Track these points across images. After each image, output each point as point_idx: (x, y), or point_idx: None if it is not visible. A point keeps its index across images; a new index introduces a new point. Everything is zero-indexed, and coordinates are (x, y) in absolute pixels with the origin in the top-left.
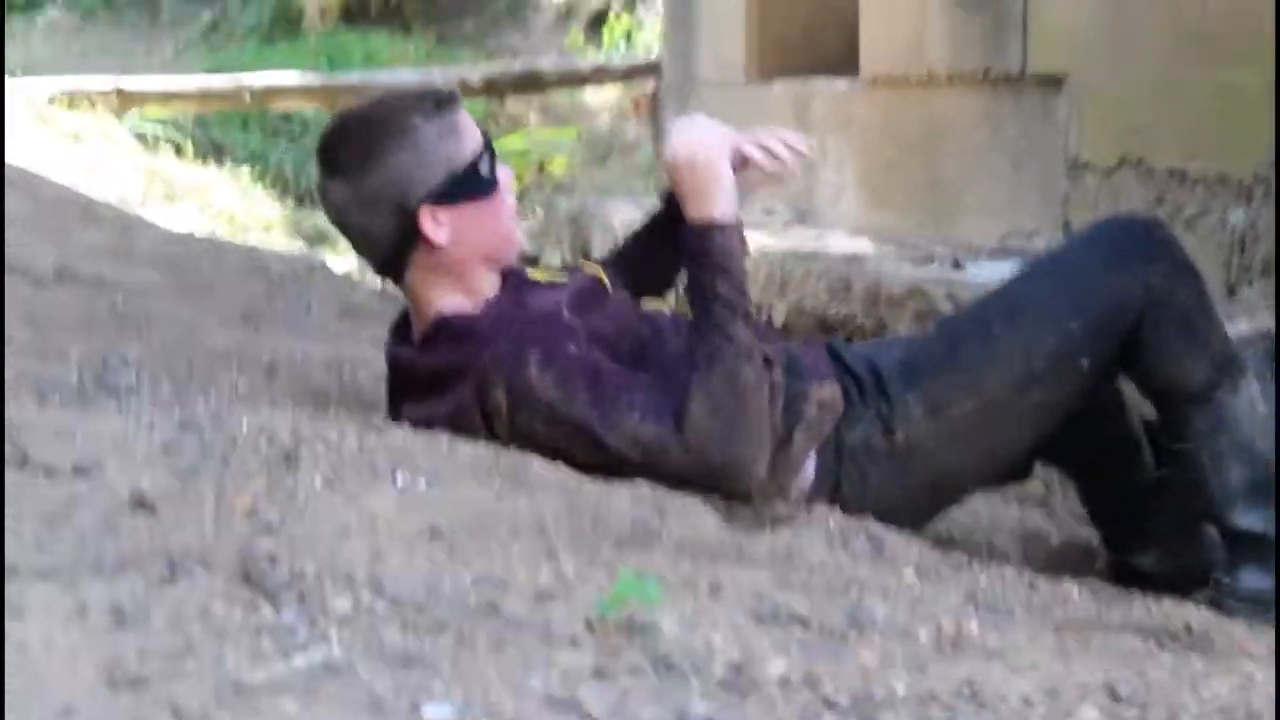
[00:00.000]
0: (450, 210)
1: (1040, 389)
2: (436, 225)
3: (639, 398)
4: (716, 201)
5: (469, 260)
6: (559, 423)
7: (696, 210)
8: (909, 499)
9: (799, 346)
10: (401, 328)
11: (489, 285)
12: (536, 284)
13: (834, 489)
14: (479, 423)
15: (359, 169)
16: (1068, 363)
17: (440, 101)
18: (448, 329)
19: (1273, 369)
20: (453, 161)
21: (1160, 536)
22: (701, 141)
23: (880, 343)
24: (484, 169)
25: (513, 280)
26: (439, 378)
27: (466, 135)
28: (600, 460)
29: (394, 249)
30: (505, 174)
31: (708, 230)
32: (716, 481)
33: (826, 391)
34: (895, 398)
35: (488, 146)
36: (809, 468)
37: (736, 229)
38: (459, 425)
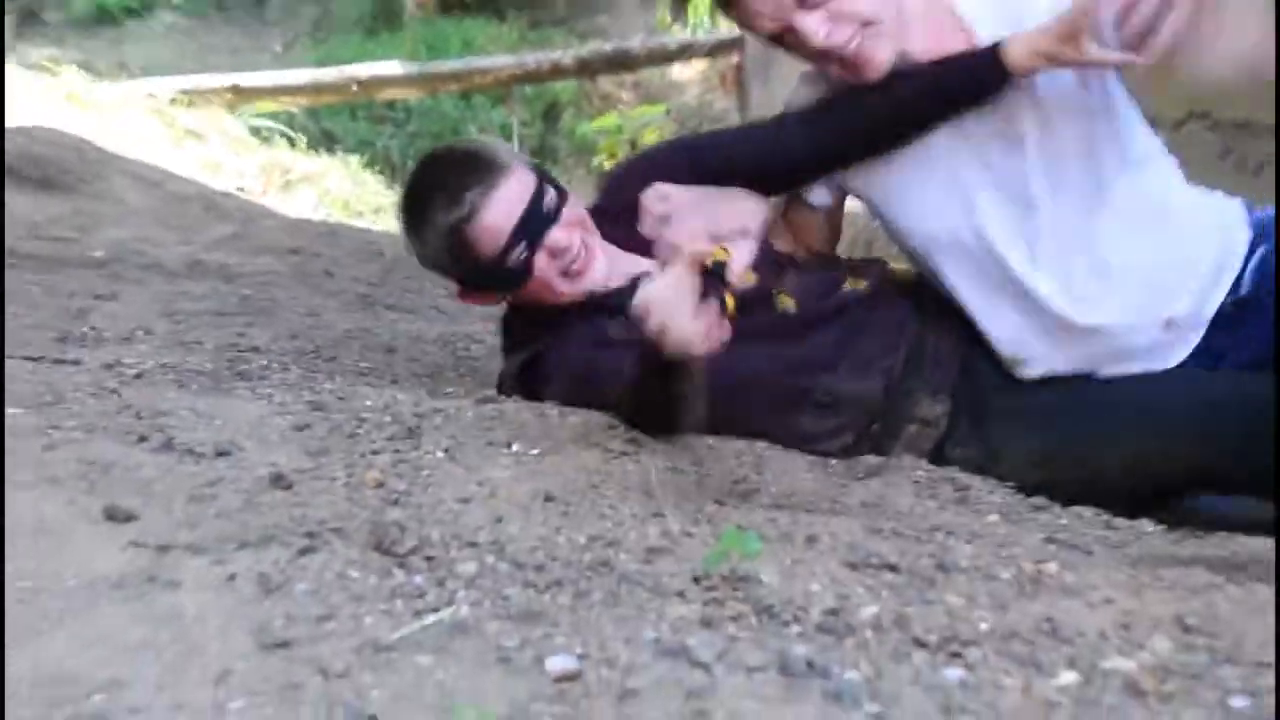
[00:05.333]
0: (484, 293)
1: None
2: (481, 298)
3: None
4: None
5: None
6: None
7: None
8: None
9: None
10: None
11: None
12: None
13: None
14: None
15: (416, 238)
16: None
17: (464, 212)
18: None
19: None
20: (465, 258)
21: None
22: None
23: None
24: (512, 261)
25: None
26: None
27: (487, 239)
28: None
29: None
30: (556, 238)
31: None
32: None
33: (933, 411)
34: (1000, 440)
35: (522, 230)
36: None
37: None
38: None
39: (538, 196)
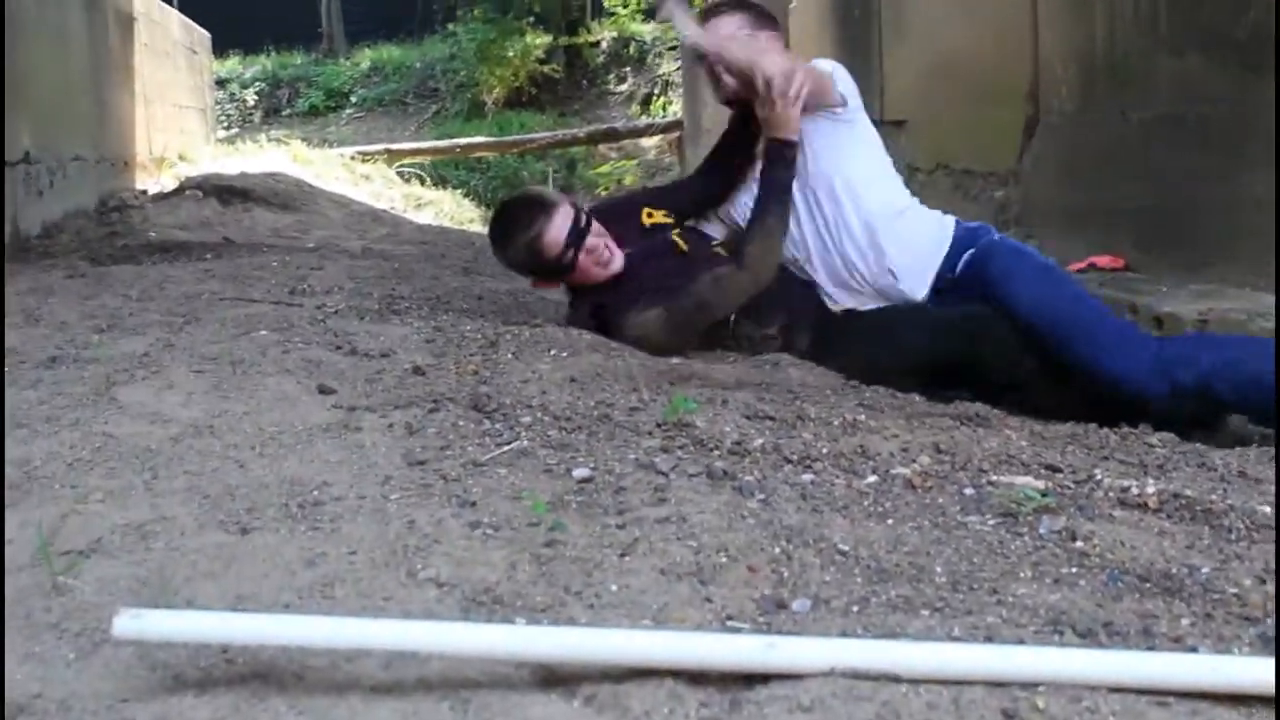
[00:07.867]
0: (549, 282)
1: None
2: (544, 289)
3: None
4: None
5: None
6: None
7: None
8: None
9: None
10: None
11: None
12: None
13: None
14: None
15: (502, 251)
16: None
17: (534, 233)
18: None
19: None
20: (537, 261)
21: None
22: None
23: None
24: (566, 260)
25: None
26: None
27: (550, 248)
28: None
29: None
30: (590, 243)
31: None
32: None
33: (759, 333)
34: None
35: (570, 242)
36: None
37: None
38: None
39: (576, 220)
